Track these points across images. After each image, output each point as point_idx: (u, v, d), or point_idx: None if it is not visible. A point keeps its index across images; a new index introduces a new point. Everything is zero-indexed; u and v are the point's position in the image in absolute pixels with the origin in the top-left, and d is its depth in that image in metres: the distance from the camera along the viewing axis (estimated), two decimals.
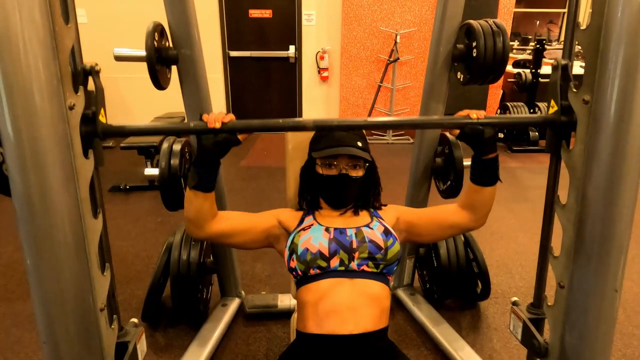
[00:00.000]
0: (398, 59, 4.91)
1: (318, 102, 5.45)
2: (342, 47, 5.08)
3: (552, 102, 1.14)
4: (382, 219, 1.23)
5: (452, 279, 1.96)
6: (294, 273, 1.15)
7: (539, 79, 4.70)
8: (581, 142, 1.06)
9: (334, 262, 1.10)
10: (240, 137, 1.05)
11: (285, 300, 2.05)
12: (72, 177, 0.95)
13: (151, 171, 1.74)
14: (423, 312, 1.98)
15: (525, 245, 2.75)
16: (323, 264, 1.10)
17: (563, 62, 1.13)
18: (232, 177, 3.92)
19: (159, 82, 1.56)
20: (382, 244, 1.12)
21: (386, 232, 1.16)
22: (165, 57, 1.57)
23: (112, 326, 1.11)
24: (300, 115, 5.49)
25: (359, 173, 1.20)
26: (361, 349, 1.05)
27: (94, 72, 1.05)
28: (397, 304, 2.12)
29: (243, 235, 1.21)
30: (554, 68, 1.13)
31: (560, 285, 1.16)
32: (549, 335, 1.21)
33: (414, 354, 1.81)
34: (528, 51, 6.11)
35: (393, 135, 5.23)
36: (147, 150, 3.42)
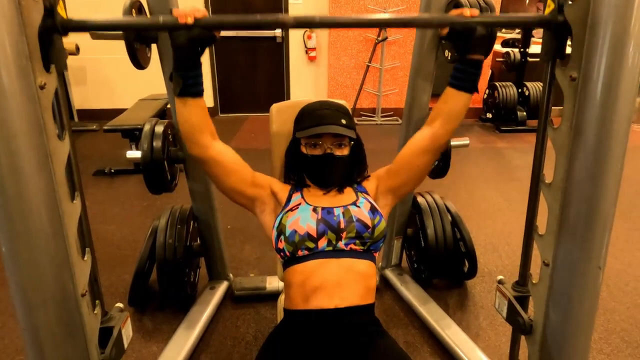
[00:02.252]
0: (386, 38, 4.84)
1: (306, 83, 5.39)
2: None
3: (549, 2, 1.04)
4: (367, 194, 1.22)
5: (440, 258, 1.97)
6: (281, 254, 1.14)
7: (528, 58, 4.68)
8: (567, 120, 1.05)
9: (322, 243, 1.09)
10: (215, 33, 0.98)
11: (274, 283, 2.05)
12: (46, 159, 0.91)
13: (134, 154, 1.69)
14: (411, 292, 1.99)
15: (512, 224, 2.78)
16: (311, 245, 1.09)
17: None
18: None
19: (139, 61, 1.51)
20: (369, 222, 1.11)
21: (372, 210, 1.15)
22: (144, 34, 1.51)
23: (95, 311, 1.09)
24: (288, 97, 5.42)
25: (344, 152, 1.18)
26: (347, 322, 1.06)
27: None
28: (385, 284, 2.13)
29: (236, 176, 1.16)
30: None
31: (545, 263, 1.16)
32: (534, 312, 1.22)
33: (401, 333, 1.83)
34: (517, 30, 6.07)
35: (382, 116, 5.20)
36: (131, 133, 3.35)
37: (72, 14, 0.96)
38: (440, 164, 1.81)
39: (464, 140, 1.86)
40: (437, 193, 2.15)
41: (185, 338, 1.73)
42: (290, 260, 1.12)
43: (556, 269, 1.14)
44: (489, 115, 5.13)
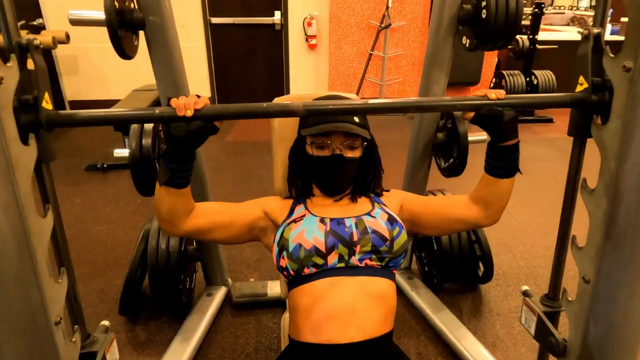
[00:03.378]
0: (390, 25, 4.65)
1: (306, 72, 5.20)
2: (330, 12, 4.80)
3: (581, 79, 0.98)
4: (385, 206, 1.08)
5: (454, 262, 1.84)
6: (284, 273, 0.99)
7: (537, 45, 4.50)
8: (618, 118, 0.90)
9: (332, 259, 0.95)
10: (217, 123, 0.89)
11: (275, 288, 1.92)
12: (7, 168, 0.76)
13: (122, 152, 1.55)
14: (422, 298, 1.86)
15: (525, 221, 2.64)
16: (319, 261, 0.95)
17: (595, 30, 0.96)
18: (216, 153, 3.72)
19: (123, 49, 1.35)
20: (387, 234, 0.97)
21: (391, 220, 1.01)
22: (129, 20, 1.35)
23: (74, 339, 0.95)
24: (288, 87, 5.24)
25: (355, 154, 1.03)
26: (364, 358, 0.92)
27: (32, 47, 0.84)
28: None
29: (224, 230, 1.05)
30: (584, 38, 0.96)
31: (585, 280, 1.02)
32: (569, 332, 1.09)
33: (413, 344, 1.70)
34: (523, 16, 5.88)
35: None
36: (124, 126, 3.18)
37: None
38: (456, 161, 1.66)
39: (482, 135, 1.71)
40: (448, 190, 2.01)
41: (181, 351, 1.60)
42: (296, 279, 0.98)
43: (598, 285, 1.00)
44: None
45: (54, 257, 0.95)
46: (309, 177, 1.10)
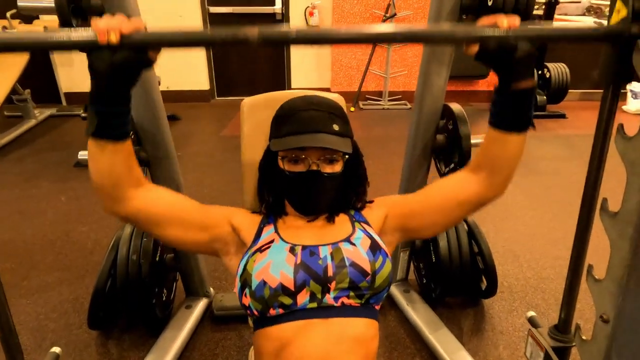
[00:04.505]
0: (395, 14, 4.44)
1: (308, 64, 5.02)
2: (333, 1, 4.60)
3: (619, 4, 0.75)
4: (367, 224, 0.92)
5: (454, 276, 1.68)
6: (248, 312, 0.84)
7: None
8: None
9: (302, 298, 0.79)
10: (152, 54, 0.71)
11: None
12: None
13: (85, 154, 1.40)
14: (418, 314, 1.71)
15: (534, 226, 2.46)
16: (287, 301, 0.79)
17: None
18: (211, 149, 3.56)
19: None
20: (367, 268, 0.81)
21: (373, 248, 0.84)
22: (84, 7, 1.20)
23: None
24: (289, 79, 5.07)
25: (335, 168, 0.87)
26: None
27: None
28: (389, 302, 1.84)
29: (179, 228, 0.87)
30: None
31: (603, 319, 0.86)
32: None
33: None
34: (536, 6, 5.62)
35: (389, 100, 4.84)
36: None
37: None
38: (458, 166, 1.50)
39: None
40: None
41: None
42: (260, 320, 0.83)
43: (620, 327, 0.84)
44: None
45: None
46: (282, 193, 0.94)
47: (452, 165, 1.54)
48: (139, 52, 0.69)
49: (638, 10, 0.71)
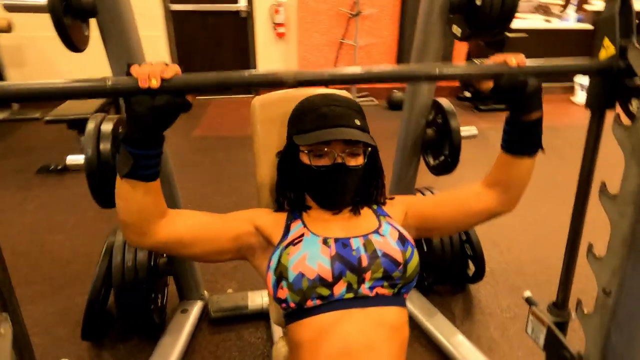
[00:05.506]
0: (360, 12, 4.52)
1: (275, 62, 4.99)
2: None
3: (606, 42, 0.86)
4: (390, 218, 0.95)
5: (446, 264, 1.75)
6: (283, 305, 0.85)
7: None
8: None
9: (339, 289, 0.82)
10: (189, 98, 0.74)
11: (257, 300, 1.77)
12: None
13: (75, 159, 1.35)
14: (414, 303, 1.77)
15: (509, 214, 2.59)
16: (325, 292, 0.82)
17: None
18: (183, 150, 3.49)
19: (71, 40, 1.16)
20: (399, 258, 0.85)
21: (402, 240, 0.88)
22: (77, 7, 1.15)
23: None
24: None
25: (358, 161, 0.90)
26: None
27: None
28: None
29: (206, 245, 0.89)
30: None
31: (605, 292, 0.94)
32: (586, 345, 1.01)
33: (408, 352, 1.60)
34: None
35: (357, 97, 4.91)
36: (79, 123, 2.90)
37: None
38: (449, 159, 1.56)
39: (472, 130, 1.61)
40: (436, 188, 1.92)
41: None
42: (297, 312, 0.84)
43: (622, 299, 0.92)
44: (467, 94, 4.94)
45: None
46: (304, 188, 0.95)
47: (442, 158, 1.61)
48: (178, 95, 0.71)
49: (624, 49, 0.82)
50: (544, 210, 2.54)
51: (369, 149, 0.92)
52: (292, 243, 0.86)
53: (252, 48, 4.93)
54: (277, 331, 1.60)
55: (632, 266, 0.89)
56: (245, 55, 4.98)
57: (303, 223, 0.91)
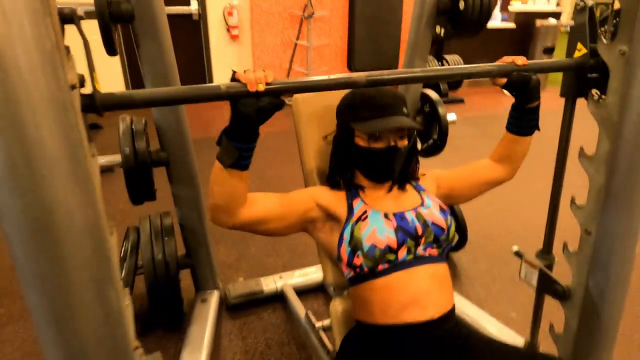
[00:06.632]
0: (313, 14, 4.71)
1: (229, 64, 5.05)
2: (251, 1, 4.70)
3: (579, 46, 1.14)
4: (428, 192, 1.16)
5: None
6: (357, 270, 1.03)
7: None
8: (615, 93, 1.08)
9: (402, 253, 1.02)
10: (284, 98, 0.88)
11: (271, 284, 1.90)
12: (87, 182, 0.68)
13: (107, 160, 1.41)
14: None
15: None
16: (392, 257, 1.01)
17: (590, 2, 1.14)
18: None
19: (114, 45, 1.23)
20: (443, 225, 1.06)
21: (442, 210, 1.10)
22: (117, 13, 1.22)
23: None
24: (211, 80, 5.04)
25: (405, 143, 1.09)
26: (443, 332, 1.02)
27: (76, 18, 0.75)
28: None
29: (279, 222, 1.05)
30: (581, 10, 1.13)
31: (587, 232, 1.21)
32: (572, 279, 1.27)
33: None
34: None
35: None
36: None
37: None
38: (438, 142, 1.80)
39: (452, 117, 1.87)
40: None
41: None
42: (369, 275, 1.03)
43: (599, 237, 1.19)
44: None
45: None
46: (357, 167, 1.12)
47: (431, 142, 1.84)
48: (277, 97, 0.84)
49: (593, 50, 1.09)
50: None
51: (414, 132, 1.11)
52: (360, 219, 1.03)
53: (206, 51, 4.94)
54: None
55: (607, 209, 1.15)
56: (199, 57, 4.98)
57: (363, 201, 1.09)
